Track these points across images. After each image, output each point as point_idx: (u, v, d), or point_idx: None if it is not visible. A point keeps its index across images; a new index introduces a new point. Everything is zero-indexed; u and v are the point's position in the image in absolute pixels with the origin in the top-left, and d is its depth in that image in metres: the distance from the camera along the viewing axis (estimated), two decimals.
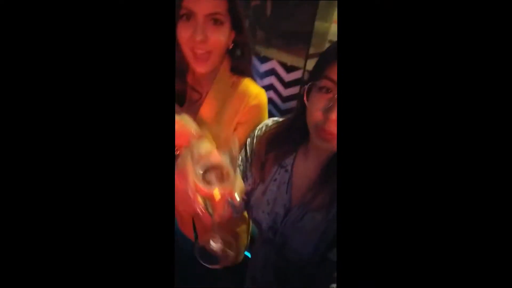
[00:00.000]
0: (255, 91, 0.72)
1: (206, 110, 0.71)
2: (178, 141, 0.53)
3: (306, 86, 0.56)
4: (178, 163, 0.48)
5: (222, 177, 0.44)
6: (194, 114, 0.71)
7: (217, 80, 0.71)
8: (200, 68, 0.64)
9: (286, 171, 0.67)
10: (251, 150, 0.71)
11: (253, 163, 0.70)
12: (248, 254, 1.00)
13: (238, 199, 0.48)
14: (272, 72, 2.05)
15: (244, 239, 0.96)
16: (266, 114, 0.76)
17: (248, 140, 0.72)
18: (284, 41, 1.95)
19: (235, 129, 0.73)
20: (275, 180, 0.68)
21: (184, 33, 0.60)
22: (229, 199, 0.48)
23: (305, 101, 0.56)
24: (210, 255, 0.53)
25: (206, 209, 0.47)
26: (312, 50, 1.84)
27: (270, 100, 2.14)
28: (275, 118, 0.72)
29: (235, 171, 0.46)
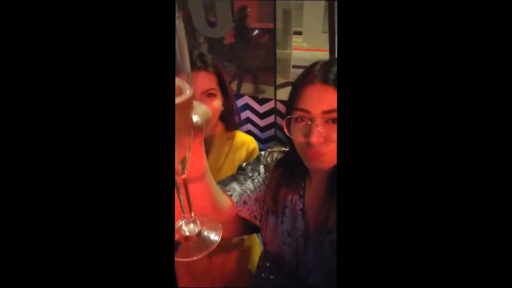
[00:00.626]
0: (247, 139, 0.92)
1: (210, 162, 0.85)
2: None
3: (284, 121, 0.62)
4: None
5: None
6: None
7: (215, 138, 0.87)
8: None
9: (300, 197, 0.68)
10: (263, 178, 0.72)
11: (265, 194, 0.71)
12: None
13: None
14: (246, 106, 2.15)
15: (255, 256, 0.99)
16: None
17: (261, 160, 0.74)
18: (252, 75, 2.02)
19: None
20: (286, 207, 0.69)
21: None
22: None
23: (288, 134, 0.62)
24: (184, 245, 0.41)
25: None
26: (279, 79, 1.91)
27: (250, 132, 2.22)
28: (274, 148, 0.77)
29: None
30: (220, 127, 0.89)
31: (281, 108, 1.97)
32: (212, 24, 1.92)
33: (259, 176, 0.71)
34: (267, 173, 0.71)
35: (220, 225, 0.43)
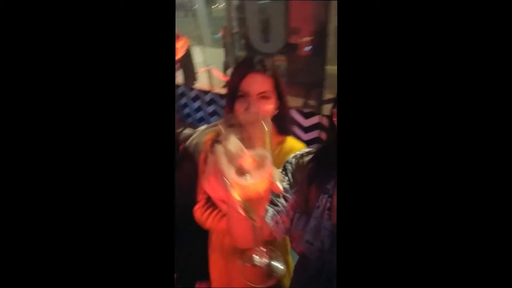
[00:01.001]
0: (298, 145, 0.90)
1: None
2: None
3: (335, 109, 0.60)
4: (208, 167, 0.55)
5: (257, 164, 0.38)
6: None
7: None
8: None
9: (329, 196, 0.66)
10: (291, 181, 0.72)
11: (296, 194, 0.70)
12: None
13: (280, 187, 0.45)
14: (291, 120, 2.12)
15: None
16: None
17: (288, 169, 0.73)
18: (301, 90, 2.05)
19: None
20: (318, 207, 0.67)
21: (240, 108, 0.81)
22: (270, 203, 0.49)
23: (334, 122, 0.60)
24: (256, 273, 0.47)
25: (247, 213, 0.42)
26: (327, 95, 1.87)
27: None
28: (303, 150, 0.76)
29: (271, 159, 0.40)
30: (271, 130, 0.91)
31: (326, 123, 1.95)
32: (266, 40, 2.03)
33: (289, 185, 0.71)
34: (296, 179, 0.71)
35: (281, 254, 0.49)
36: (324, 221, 0.66)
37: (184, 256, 0.92)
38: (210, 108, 2.27)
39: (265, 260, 0.47)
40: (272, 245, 0.64)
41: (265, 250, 0.48)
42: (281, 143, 0.89)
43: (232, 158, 0.40)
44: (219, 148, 0.41)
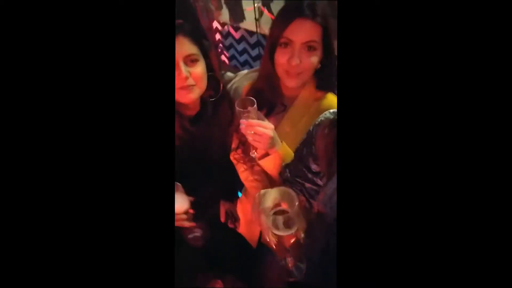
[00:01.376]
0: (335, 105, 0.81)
1: (288, 121, 0.82)
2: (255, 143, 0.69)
3: None
4: (252, 208, 0.62)
5: (289, 224, 0.55)
6: (278, 123, 0.82)
7: (300, 96, 0.82)
8: (290, 83, 0.75)
9: None
10: (315, 146, 0.69)
11: (319, 160, 0.68)
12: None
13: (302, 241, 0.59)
14: None
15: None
16: None
17: (312, 133, 0.71)
18: None
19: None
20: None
21: (281, 59, 0.72)
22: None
23: None
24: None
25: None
26: None
27: None
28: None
29: (299, 218, 0.56)
30: (310, 84, 0.81)
31: None
32: None
33: (312, 157, 0.68)
34: (319, 146, 0.67)
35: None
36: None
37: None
38: (255, 51, 2.19)
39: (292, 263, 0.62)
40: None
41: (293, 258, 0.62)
42: (319, 99, 0.81)
43: (269, 212, 0.56)
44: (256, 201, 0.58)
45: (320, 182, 0.69)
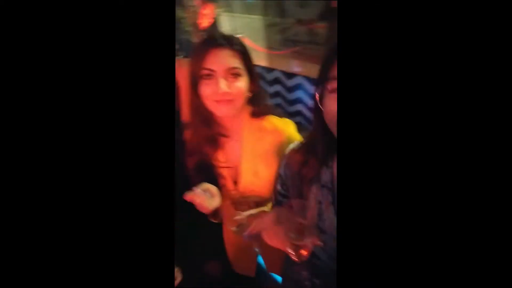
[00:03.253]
0: (280, 123, 0.81)
1: (246, 155, 0.81)
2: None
3: (317, 93, 0.58)
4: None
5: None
6: (237, 157, 0.82)
7: (243, 128, 0.82)
8: (222, 112, 0.74)
9: (329, 189, 0.63)
10: (285, 178, 0.70)
11: (290, 191, 0.69)
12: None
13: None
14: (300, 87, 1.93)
15: None
16: (297, 136, 0.81)
17: (281, 167, 0.72)
18: None
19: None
20: (320, 202, 0.65)
21: (208, 90, 0.71)
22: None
23: (320, 106, 0.57)
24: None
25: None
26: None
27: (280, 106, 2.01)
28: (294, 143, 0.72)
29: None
30: (246, 115, 0.80)
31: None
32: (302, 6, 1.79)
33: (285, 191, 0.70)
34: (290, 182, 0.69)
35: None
36: (330, 216, 0.63)
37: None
38: None
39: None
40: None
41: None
42: (261, 126, 0.79)
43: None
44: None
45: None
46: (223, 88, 0.69)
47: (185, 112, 0.88)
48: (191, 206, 0.83)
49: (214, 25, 3.35)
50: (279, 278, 1.00)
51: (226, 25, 2.22)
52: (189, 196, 0.72)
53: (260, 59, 1.93)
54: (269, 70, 2.05)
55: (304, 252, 0.57)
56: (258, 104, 0.80)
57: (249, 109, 0.80)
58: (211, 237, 0.93)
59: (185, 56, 1.20)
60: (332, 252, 0.67)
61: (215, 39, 0.71)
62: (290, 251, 0.57)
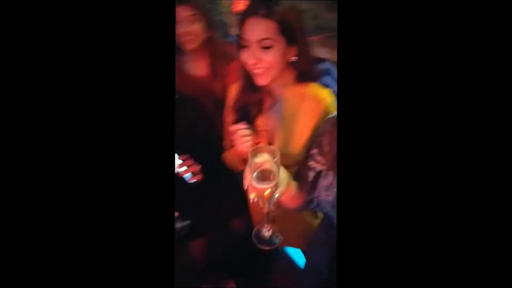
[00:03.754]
0: (322, 93, 0.82)
1: (283, 121, 0.84)
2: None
3: None
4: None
5: (269, 179, 0.60)
6: (273, 123, 0.85)
7: (284, 94, 0.84)
8: (259, 82, 0.78)
9: None
10: (320, 143, 0.72)
11: (325, 156, 0.71)
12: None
13: (276, 195, 0.63)
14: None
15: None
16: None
17: (320, 132, 0.74)
18: None
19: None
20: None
21: (244, 58, 0.76)
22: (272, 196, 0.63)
23: None
24: (262, 240, 0.71)
25: (259, 202, 0.64)
26: None
27: None
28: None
29: (277, 175, 0.60)
30: (289, 79, 0.82)
31: None
32: None
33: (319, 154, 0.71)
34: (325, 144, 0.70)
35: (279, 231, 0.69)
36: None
37: None
38: None
39: (268, 234, 0.68)
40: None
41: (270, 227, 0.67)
42: (303, 92, 0.81)
43: (255, 168, 0.58)
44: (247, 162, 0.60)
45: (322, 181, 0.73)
46: (253, 59, 0.72)
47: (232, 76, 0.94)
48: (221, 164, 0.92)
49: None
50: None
51: None
52: (234, 127, 0.78)
53: None
54: None
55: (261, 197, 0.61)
56: (302, 69, 0.80)
57: (293, 73, 0.81)
58: (235, 195, 0.97)
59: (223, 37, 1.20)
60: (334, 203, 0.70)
61: (255, 8, 0.71)
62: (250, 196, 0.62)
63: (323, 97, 0.81)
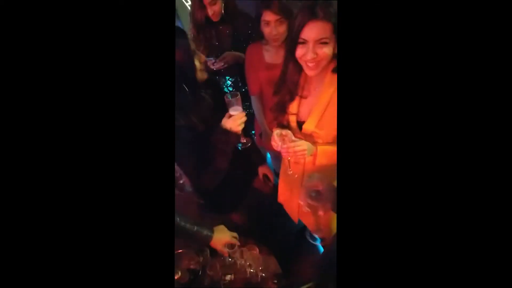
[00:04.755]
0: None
1: (319, 106, 0.97)
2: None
3: None
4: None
5: (318, 198, 0.79)
6: (310, 108, 0.99)
7: (323, 81, 0.96)
8: (311, 73, 0.92)
9: None
10: None
11: None
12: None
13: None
14: None
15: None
16: None
17: None
18: None
19: None
20: None
21: (301, 54, 0.89)
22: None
23: None
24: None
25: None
26: None
27: None
28: None
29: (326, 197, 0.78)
30: (328, 70, 0.94)
31: None
32: None
33: None
34: None
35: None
36: None
37: None
38: None
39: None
40: None
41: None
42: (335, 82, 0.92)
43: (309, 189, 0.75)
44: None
45: None
46: (312, 55, 0.85)
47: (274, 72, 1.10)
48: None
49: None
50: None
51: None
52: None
53: None
54: None
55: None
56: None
57: (332, 66, 0.93)
58: None
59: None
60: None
61: (313, 12, 0.82)
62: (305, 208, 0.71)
63: None
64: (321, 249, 1.34)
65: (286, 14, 1.17)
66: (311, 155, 0.95)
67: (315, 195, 0.77)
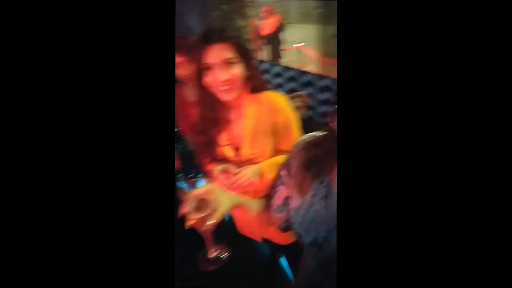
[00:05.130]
0: (273, 96, 0.94)
1: (248, 131, 0.93)
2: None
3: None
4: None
5: (200, 208, 0.67)
6: (238, 135, 0.95)
7: (244, 105, 0.93)
8: (225, 96, 0.88)
9: (326, 185, 0.66)
10: (289, 166, 0.74)
11: (292, 178, 0.72)
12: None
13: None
14: None
15: None
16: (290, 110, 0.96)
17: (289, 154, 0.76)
18: None
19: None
20: (313, 195, 0.67)
21: (208, 80, 0.85)
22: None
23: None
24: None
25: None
26: None
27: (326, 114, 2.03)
28: (312, 134, 0.74)
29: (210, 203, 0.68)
30: (245, 93, 0.91)
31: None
32: None
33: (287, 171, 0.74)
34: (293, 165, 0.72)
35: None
36: (320, 210, 0.65)
37: None
38: (290, 85, 2.29)
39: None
40: None
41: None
42: (259, 100, 0.91)
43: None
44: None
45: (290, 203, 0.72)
46: (221, 77, 0.81)
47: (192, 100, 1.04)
48: None
49: (275, 33, 3.58)
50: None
51: (287, 34, 2.38)
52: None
53: (314, 66, 2.01)
54: (321, 77, 2.18)
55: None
56: (255, 81, 0.91)
57: (248, 86, 0.91)
58: None
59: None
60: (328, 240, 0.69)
61: (209, 37, 0.82)
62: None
63: (277, 100, 0.93)
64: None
65: (188, 51, 1.09)
66: (259, 176, 0.90)
67: (194, 204, 0.66)
